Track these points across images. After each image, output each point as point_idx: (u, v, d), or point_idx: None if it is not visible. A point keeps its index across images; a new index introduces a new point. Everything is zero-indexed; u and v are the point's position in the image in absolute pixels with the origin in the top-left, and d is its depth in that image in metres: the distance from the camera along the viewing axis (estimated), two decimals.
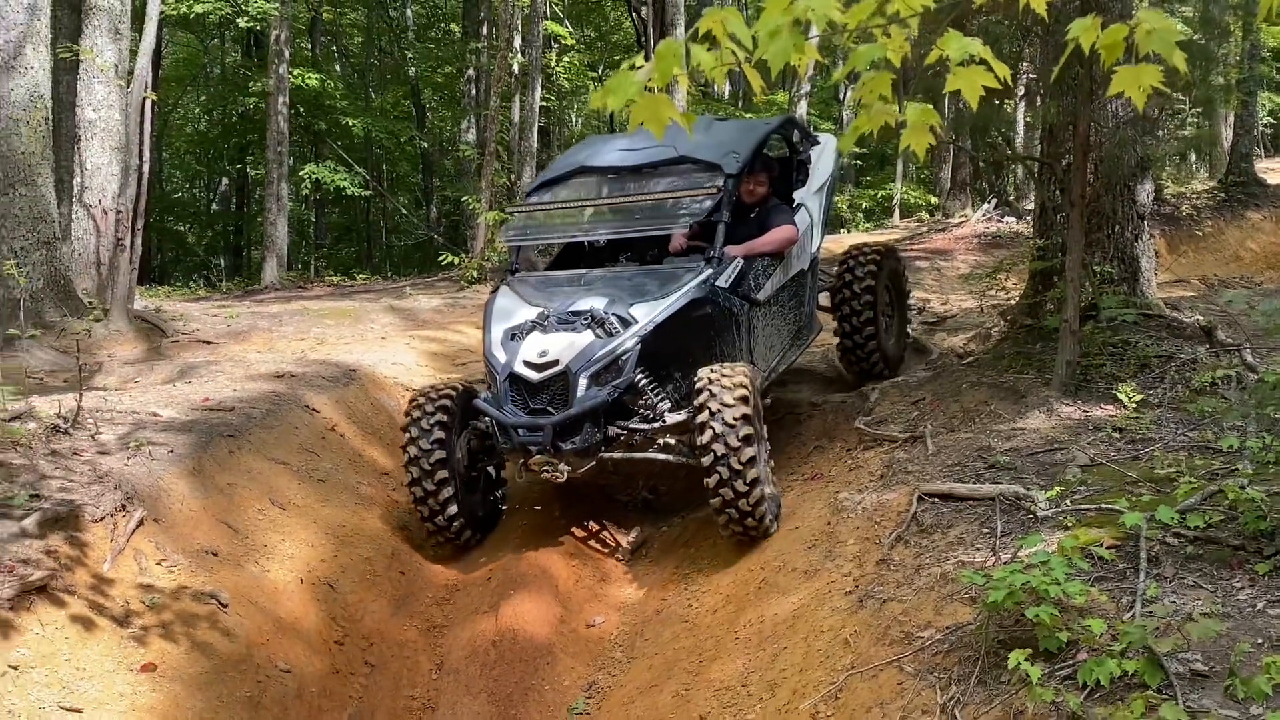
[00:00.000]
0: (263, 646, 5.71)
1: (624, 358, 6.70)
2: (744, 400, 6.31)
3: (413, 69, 30.50)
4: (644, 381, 6.84)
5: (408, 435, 7.03)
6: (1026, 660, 3.82)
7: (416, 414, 7.05)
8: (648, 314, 6.82)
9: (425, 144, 29.49)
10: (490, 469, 7.56)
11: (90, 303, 11.80)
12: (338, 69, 31.05)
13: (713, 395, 6.31)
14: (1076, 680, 3.72)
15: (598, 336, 6.69)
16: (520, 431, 6.70)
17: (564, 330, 6.75)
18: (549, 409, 6.66)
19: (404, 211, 28.60)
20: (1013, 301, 9.96)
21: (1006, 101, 10.63)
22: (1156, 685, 3.58)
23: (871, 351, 8.90)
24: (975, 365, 8.48)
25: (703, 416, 6.31)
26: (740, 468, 6.23)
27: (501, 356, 6.86)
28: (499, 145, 18.70)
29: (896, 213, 25.92)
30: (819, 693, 4.70)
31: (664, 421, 6.82)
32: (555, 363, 6.61)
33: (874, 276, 8.85)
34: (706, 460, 6.30)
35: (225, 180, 34.66)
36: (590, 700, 6.07)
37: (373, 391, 9.24)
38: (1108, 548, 4.67)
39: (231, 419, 7.46)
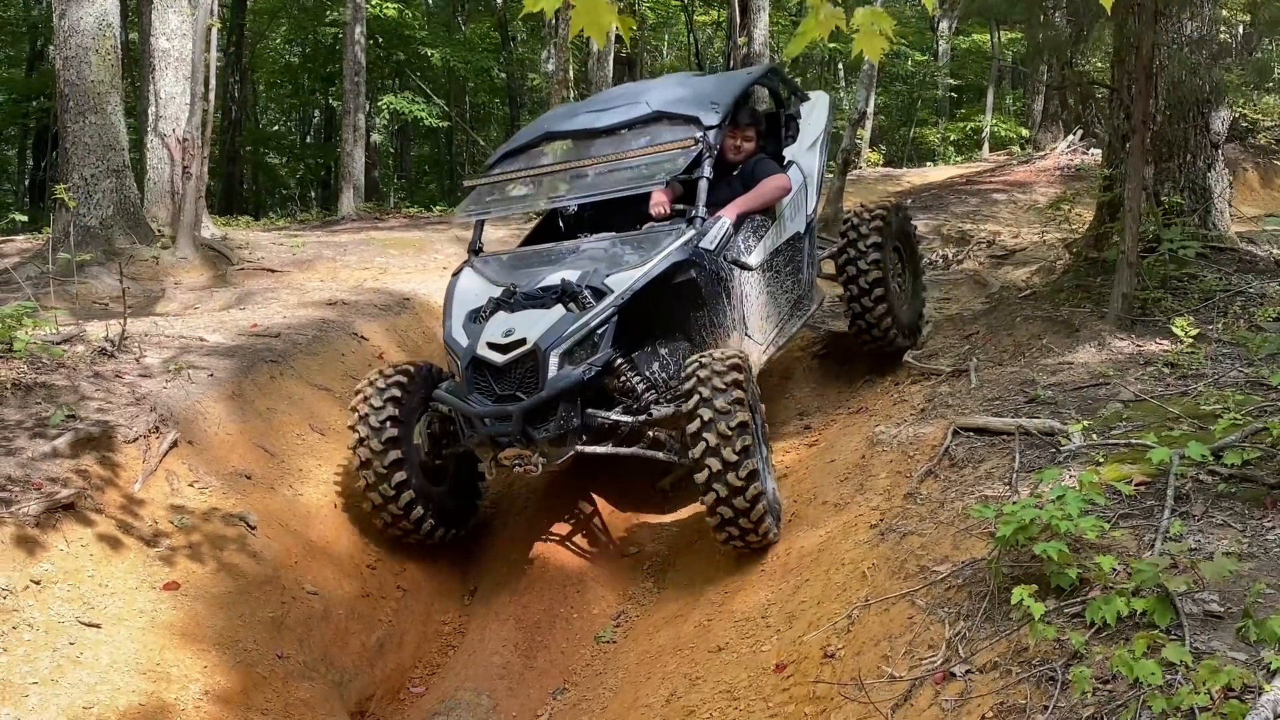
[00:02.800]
0: (290, 569, 5.76)
1: (600, 331, 6.00)
2: (739, 403, 5.60)
3: None
4: (624, 364, 6.17)
5: (356, 434, 6.20)
6: (1031, 597, 3.69)
7: (364, 408, 6.21)
8: (625, 283, 6.12)
9: (504, 74, 29.31)
10: (458, 453, 6.61)
11: (160, 231, 11.95)
12: (429, 2, 30.91)
13: (704, 400, 5.58)
14: (1085, 618, 3.58)
15: (569, 310, 5.98)
16: (486, 421, 5.92)
17: (531, 307, 6.06)
18: (518, 394, 5.86)
19: (481, 143, 28.55)
20: (1079, 234, 9.64)
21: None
22: (1166, 625, 3.43)
23: (884, 318, 7.78)
24: (1032, 298, 8.24)
25: (693, 425, 5.59)
26: (741, 484, 5.54)
27: (463, 341, 6.13)
28: (576, 76, 18.49)
29: (986, 145, 25.32)
30: (832, 625, 4.63)
31: (650, 415, 6.12)
32: (522, 341, 5.86)
33: (881, 236, 7.81)
34: (700, 476, 5.60)
35: (318, 113, 34.95)
36: (619, 629, 6.07)
37: (426, 320, 9.23)
38: (1136, 485, 4.50)
39: (277, 344, 7.50)
